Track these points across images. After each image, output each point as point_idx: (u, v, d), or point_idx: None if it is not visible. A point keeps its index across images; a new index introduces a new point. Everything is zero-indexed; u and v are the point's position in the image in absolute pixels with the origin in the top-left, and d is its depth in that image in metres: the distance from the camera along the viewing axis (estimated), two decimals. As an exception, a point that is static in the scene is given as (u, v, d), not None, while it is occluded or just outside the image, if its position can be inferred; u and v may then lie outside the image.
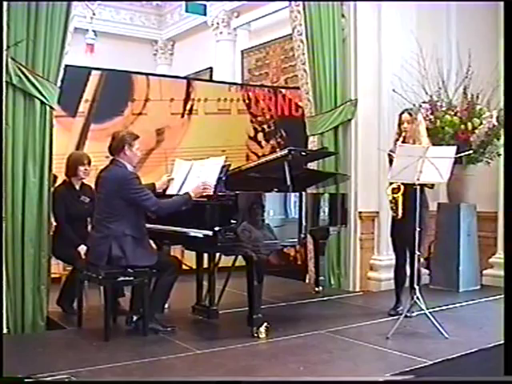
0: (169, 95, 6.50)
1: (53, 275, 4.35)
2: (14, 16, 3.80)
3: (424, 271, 5.35)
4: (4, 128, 3.80)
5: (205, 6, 9.08)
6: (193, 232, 3.98)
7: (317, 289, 5.43)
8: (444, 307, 4.76)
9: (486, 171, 5.51)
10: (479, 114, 5.39)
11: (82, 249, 4.34)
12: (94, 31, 9.05)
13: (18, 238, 3.92)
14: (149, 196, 3.89)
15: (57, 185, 4.65)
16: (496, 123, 5.30)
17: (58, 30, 4.00)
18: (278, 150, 6.46)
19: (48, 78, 3.97)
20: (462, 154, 4.42)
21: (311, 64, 5.43)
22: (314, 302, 5.12)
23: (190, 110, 6.65)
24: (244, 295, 3.96)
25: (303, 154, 4.58)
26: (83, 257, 4.28)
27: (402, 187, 4.22)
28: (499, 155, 5.39)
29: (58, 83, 4.05)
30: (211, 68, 9.49)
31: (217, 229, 3.75)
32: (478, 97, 5.49)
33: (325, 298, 5.22)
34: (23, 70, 3.85)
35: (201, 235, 3.88)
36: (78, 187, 4.67)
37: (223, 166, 4.06)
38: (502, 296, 3.41)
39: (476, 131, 5.32)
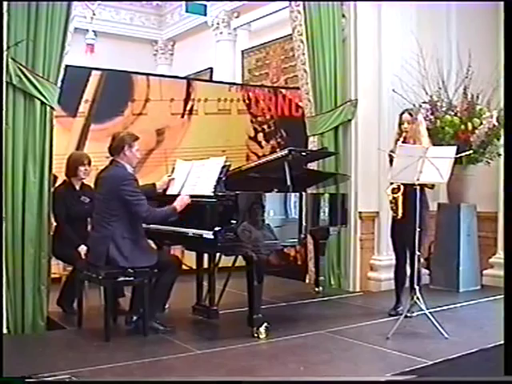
0: (169, 95, 6.50)
1: (53, 275, 4.36)
2: (14, 16, 3.80)
3: (424, 271, 5.35)
4: (4, 128, 3.80)
5: (205, 6, 9.07)
6: (193, 232, 3.98)
7: (317, 289, 5.42)
8: (444, 307, 4.76)
9: (486, 171, 5.51)
10: (479, 114, 5.39)
11: (82, 249, 4.35)
12: (94, 31, 9.04)
13: (18, 238, 3.92)
14: (142, 202, 3.89)
15: (57, 185, 4.65)
16: (496, 123, 5.30)
17: (58, 30, 4.00)
18: (278, 150, 6.45)
19: (48, 78, 3.97)
20: (462, 154, 4.42)
21: (311, 64, 5.43)
22: (314, 302, 5.12)
23: (190, 110, 6.64)
24: (244, 295, 3.96)
25: (303, 154, 4.58)
26: (83, 257, 4.28)
27: (402, 187, 4.22)
28: (499, 155, 5.39)
29: (58, 83, 4.05)
30: (211, 68, 9.48)
31: (217, 229, 3.75)
32: (478, 97, 5.49)
33: (325, 298, 5.22)
34: (23, 70, 3.85)
35: (201, 235, 3.88)
36: (78, 187, 4.67)
37: (223, 167, 4.07)
38: (502, 296, 3.39)
39: (476, 131, 5.32)
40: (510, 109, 3.44)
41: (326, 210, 4.56)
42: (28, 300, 3.96)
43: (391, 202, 4.33)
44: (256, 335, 3.87)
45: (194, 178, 4.26)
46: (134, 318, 4.08)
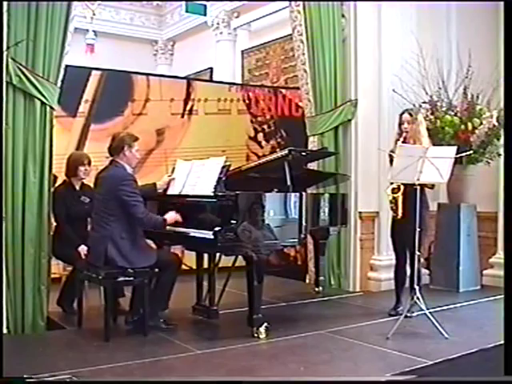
0: (169, 95, 6.50)
1: (53, 275, 4.35)
2: (14, 16, 3.80)
3: (424, 271, 5.35)
4: (4, 128, 3.80)
5: (205, 6, 9.08)
6: (193, 232, 3.98)
7: (317, 289, 5.42)
8: (444, 307, 4.76)
9: (486, 171, 5.51)
10: (479, 114, 5.39)
11: (83, 249, 4.34)
12: (94, 31, 9.05)
13: (18, 238, 3.92)
14: (139, 203, 3.90)
15: (57, 185, 4.65)
16: (496, 123, 5.30)
17: (58, 30, 4.00)
18: (278, 150, 6.46)
19: (48, 78, 3.97)
20: (462, 154, 4.42)
21: (311, 64, 5.43)
22: (314, 302, 5.12)
23: (190, 110, 6.64)
24: (244, 295, 3.96)
25: (303, 154, 4.58)
26: (83, 257, 4.28)
27: (402, 187, 4.22)
28: (499, 155, 5.39)
29: (58, 83, 4.05)
30: (211, 68, 9.49)
31: (217, 229, 3.75)
32: (478, 97, 5.49)
33: (325, 298, 5.22)
34: (23, 70, 3.85)
35: (201, 235, 3.89)
36: (78, 187, 4.67)
37: (223, 167, 4.06)
38: (502, 296, 3.40)
39: (476, 131, 5.32)
40: (510, 109, 3.44)
41: (326, 210, 4.56)
42: (28, 300, 3.96)
43: (391, 202, 4.33)
44: (256, 335, 3.87)
45: (194, 177, 4.26)
46: (134, 318, 4.08)
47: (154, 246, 4.39)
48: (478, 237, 5.72)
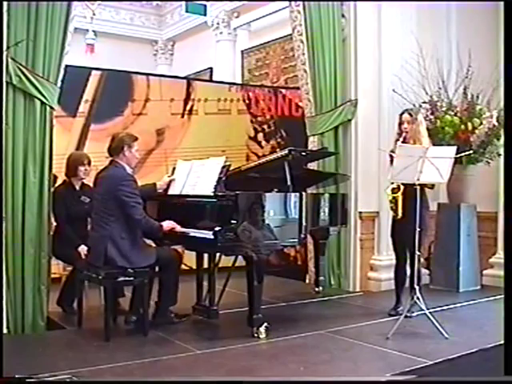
0: (169, 95, 6.50)
1: (53, 275, 4.35)
2: (14, 16, 3.80)
3: (424, 271, 5.35)
4: (4, 128, 3.80)
5: (205, 6, 9.07)
6: (193, 232, 3.98)
7: (317, 289, 5.42)
8: (444, 307, 4.76)
9: (486, 171, 5.51)
10: (479, 114, 5.39)
11: (83, 249, 4.35)
12: (94, 31, 9.02)
13: (18, 238, 3.92)
14: (138, 205, 3.90)
15: (57, 185, 4.65)
16: (496, 123, 5.30)
17: (58, 30, 4.00)
18: (278, 150, 6.46)
19: (48, 78, 3.97)
20: (462, 154, 4.43)
21: (311, 64, 5.43)
22: (314, 302, 5.12)
23: (190, 110, 6.65)
24: (244, 295, 3.96)
25: (303, 154, 4.58)
26: (83, 257, 4.28)
27: (402, 187, 4.22)
28: (499, 155, 5.39)
29: (58, 83, 4.05)
30: (211, 68, 9.48)
31: (217, 229, 3.75)
32: (478, 97, 5.49)
33: (325, 298, 5.22)
34: (23, 70, 3.85)
35: (201, 235, 3.88)
36: (78, 187, 4.67)
37: (223, 167, 4.06)
38: (502, 296, 3.40)
39: (476, 131, 5.32)
40: (510, 109, 3.44)
41: (326, 210, 4.56)
42: (28, 300, 3.96)
43: (391, 202, 4.33)
44: (256, 335, 3.87)
45: (194, 177, 4.26)
46: (134, 318, 4.08)
47: (154, 245, 4.39)
48: (478, 237, 5.72)
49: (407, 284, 4.55)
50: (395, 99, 5.37)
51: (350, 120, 5.53)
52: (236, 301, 4.49)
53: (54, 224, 4.43)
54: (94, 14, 8.62)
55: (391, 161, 4.37)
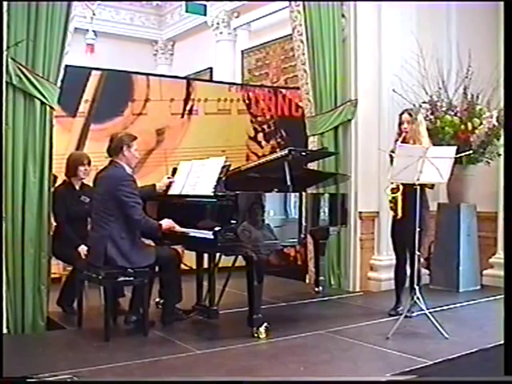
0: (169, 95, 6.49)
1: (53, 275, 4.35)
2: (14, 16, 3.80)
3: (424, 271, 5.35)
4: (4, 128, 3.80)
5: (205, 6, 9.07)
6: (193, 232, 3.98)
7: (317, 289, 5.42)
8: (444, 307, 4.76)
9: (486, 171, 5.51)
10: (479, 114, 5.38)
11: (83, 249, 4.35)
12: (94, 31, 9.04)
13: (18, 238, 3.92)
14: (138, 205, 3.90)
15: (57, 185, 4.65)
16: (496, 123, 5.30)
17: (58, 30, 4.00)
18: (278, 150, 6.46)
19: (48, 78, 3.97)
20: (462, 154, 4.43)
21: (311, 64, 5.43)
22: (314, 302, 5.12)
23: (190, 110, 6.64)
24: (244, 295, 3.96)
25: (303, 154, 4.57)
26: (83, 257, 4.28)
27: (401, 187, 4.22)
28: (499, 155, 5.39)
29: (58, 83, 4.05)
30: (211, 68, 9.48)
31: (217, 229, 3.75)
32: (478, 97, 5.49)
33: (325, 298, 5.22)
34: (23, 70, 3.85)
35: (201, 235, 3.88)
36: (78, 187, 4.68)
37: (223, 167, 4.06)
38: (502, 296, 3.40)
39: (476, 131, 5.32)
40: (510, 109, 3.43)
41: (326, 210, 4.56)
42: (28, 300, 3.96)
43: (391, 202, 4.33)
44: (256, 335, 3.87)
45: (194, 177, 4.26)
46: (134, 318, 4.08)
47: (153, 245, 4.39)
48: (478, 237, 5.72)
49: (407, 284, 4.55)
50: (395, 99, 5.37)
51: (349, 120, 5.53)
52: (236, 301, 4.49)
53: (54, 224, 4.43)
54: (93, 14, 8.63)
55: (391, 161, 4.37)
